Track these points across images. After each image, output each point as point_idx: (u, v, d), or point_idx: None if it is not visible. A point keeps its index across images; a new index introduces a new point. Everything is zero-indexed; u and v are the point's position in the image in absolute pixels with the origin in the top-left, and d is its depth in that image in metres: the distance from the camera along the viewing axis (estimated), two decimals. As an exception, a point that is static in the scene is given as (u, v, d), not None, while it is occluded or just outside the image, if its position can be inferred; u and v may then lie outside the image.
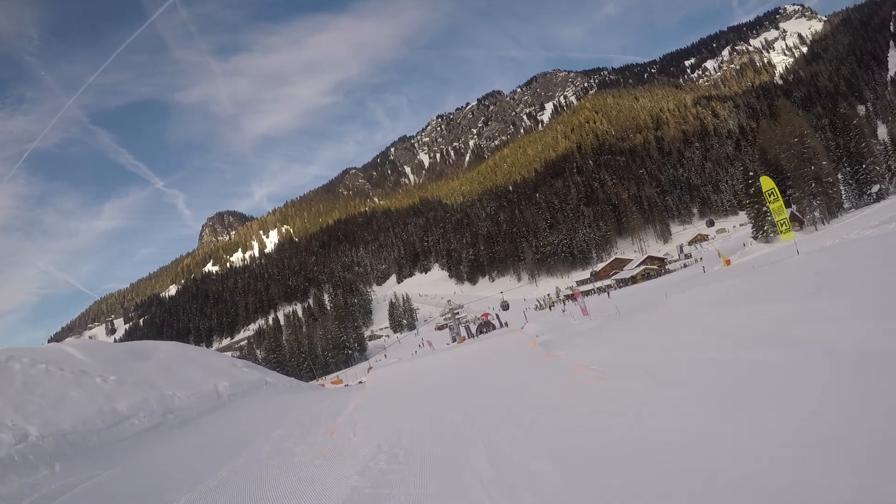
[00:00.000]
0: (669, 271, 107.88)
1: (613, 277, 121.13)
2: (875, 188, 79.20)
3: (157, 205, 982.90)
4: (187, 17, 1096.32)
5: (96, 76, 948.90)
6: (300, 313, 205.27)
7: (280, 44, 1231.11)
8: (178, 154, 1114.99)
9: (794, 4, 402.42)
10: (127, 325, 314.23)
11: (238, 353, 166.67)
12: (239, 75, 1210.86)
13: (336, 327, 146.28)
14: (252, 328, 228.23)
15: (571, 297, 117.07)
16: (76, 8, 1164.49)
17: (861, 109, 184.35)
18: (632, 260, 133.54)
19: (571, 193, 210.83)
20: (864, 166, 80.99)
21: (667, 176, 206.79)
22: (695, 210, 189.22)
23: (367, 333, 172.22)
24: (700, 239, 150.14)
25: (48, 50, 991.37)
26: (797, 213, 77.82)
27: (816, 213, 76.66)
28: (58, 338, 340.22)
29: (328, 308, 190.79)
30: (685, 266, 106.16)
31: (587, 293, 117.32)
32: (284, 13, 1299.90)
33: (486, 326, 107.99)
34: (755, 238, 76.02)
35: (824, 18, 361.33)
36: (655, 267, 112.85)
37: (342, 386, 74.52)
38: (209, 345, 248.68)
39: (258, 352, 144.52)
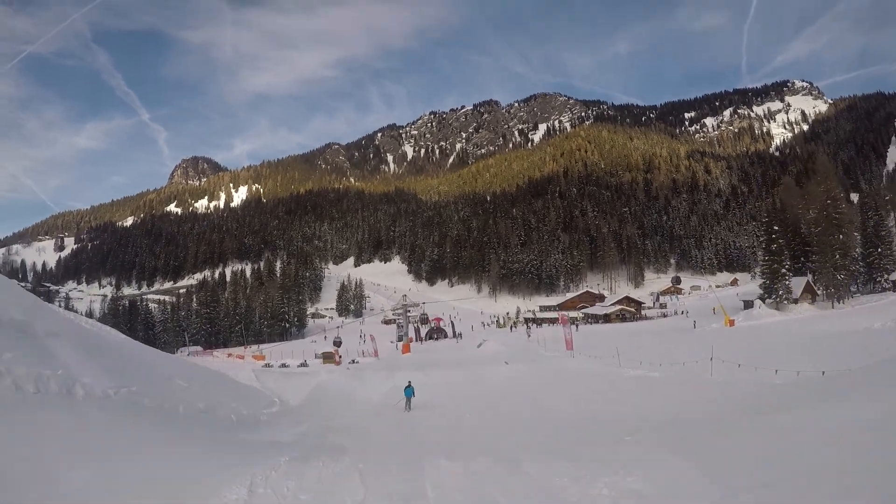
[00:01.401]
0: (646, 317, 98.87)
1: (583, 311, 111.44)
2: (894, 275, 70.09)
3: (139, 136, 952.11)
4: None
5: None
6: (248, 274, 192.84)
7: (294, 6, 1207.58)
8: (170, 91, 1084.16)
9: (803, 81, 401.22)
10: (76, 246, 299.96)
11: (175, 298, 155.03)
12: (247, 27, 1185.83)
13: (279, 296, 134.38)
14: (197, 277, 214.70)
15: (535, 322, 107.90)
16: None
17: (854, 198, 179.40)
18: (606, 297, 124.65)
19: (550, 216, 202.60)
20: (878, 250, 71.99)
21: (650, 220, 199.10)
22: (672, 261, 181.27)
23: (311, 310, 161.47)
24: (674, 291, 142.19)
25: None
26: (811, 284, 68.76)
27: (832, 289, 67.64)
28: (6, 242, 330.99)
29: (277, 275, 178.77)
30: (664, 315, 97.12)
31: (551, 322, 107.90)
32: None
33: (437, 332, 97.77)
34: (763, 301, 66.37)
35: (830, 101, 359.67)
36: (632, 309, 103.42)
37: (260, 365, 64.06)
38: (150, 285, 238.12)
39: (194, 303, 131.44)
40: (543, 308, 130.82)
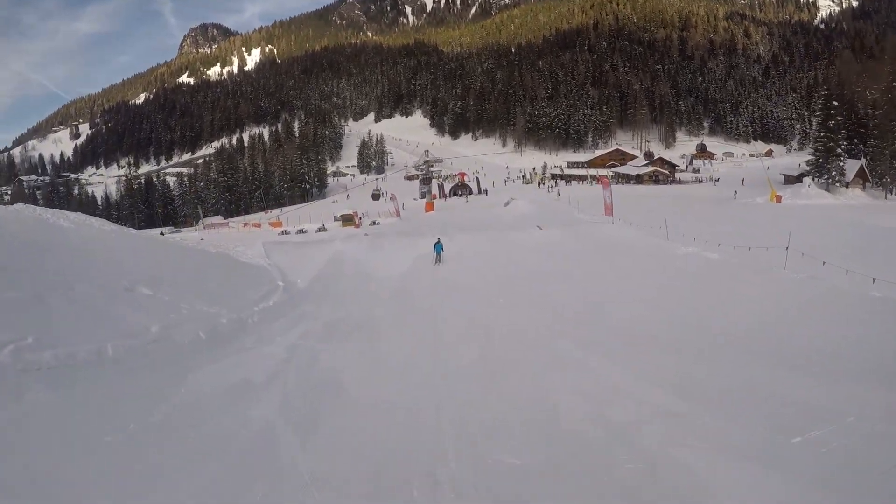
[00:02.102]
0: (679, 181, 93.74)
1: (613, 170, 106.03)
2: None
3: (143, 10, 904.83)
4: None
5: None
6: (266, 137, 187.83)
7: None
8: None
9: None
10: (91, 131, 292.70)
11: (193, 169, 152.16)
12: None
13: (297, 157, 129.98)
14: (215, 146, 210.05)
15: (563, 178, 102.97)
16: None
17: None
18: (637, 157, 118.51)
19: (579, 69, 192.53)
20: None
21: (684, 81, 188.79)
22: (706, 124, 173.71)
23: (331, 169, 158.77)
24: (706, 156, 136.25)
25: None
26: (865, 169, 62.82)
27: (887, 178, 61.91)
28: (22, 139, 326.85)
29: (296, 136, 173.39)
30: (699, 181, 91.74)
31: (580, 179, 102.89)
32: None
33: (461, 189, 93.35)
34: (814, 180, 61.04)
35: None
36: (666, 172, 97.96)
37: (276, 233, 60.29)
38: (168, 158, 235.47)
39: (212, 173, 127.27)
40: (571, 164, 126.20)
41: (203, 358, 10.99)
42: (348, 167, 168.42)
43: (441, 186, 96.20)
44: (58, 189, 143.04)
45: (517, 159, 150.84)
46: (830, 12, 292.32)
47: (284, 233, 57.95)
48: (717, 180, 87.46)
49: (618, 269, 21.77)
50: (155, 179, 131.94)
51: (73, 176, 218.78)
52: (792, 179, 70.13)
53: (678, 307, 15.15)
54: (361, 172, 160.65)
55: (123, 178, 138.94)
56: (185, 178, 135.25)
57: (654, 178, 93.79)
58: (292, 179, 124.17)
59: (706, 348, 11.21)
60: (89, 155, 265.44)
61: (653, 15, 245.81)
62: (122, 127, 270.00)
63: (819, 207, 48.60)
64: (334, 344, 12.84)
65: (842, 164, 60.88)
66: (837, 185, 60.37)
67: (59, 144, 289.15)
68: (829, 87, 67.90)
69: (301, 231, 57.87)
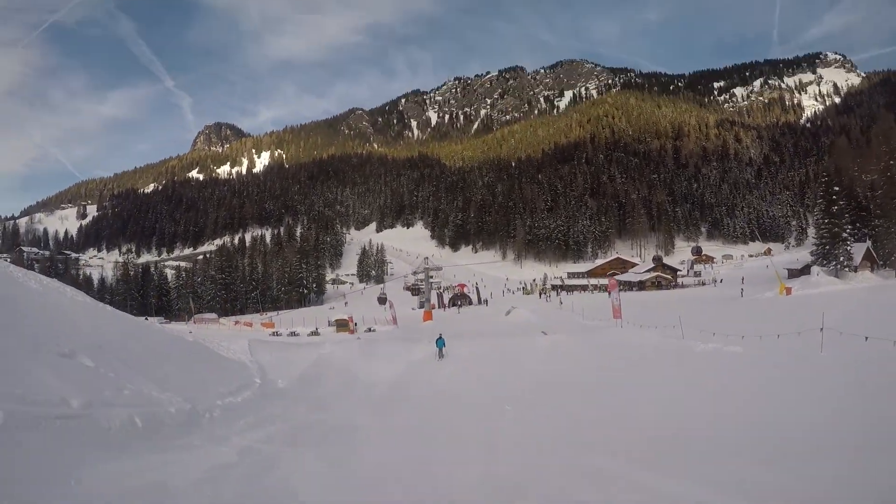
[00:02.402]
0: (682, 285, 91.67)
1: (615, 278, 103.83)
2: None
3: (163, 104, 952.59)
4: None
5: None
6: (268, 239, 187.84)
7: None
8: (194, 57, 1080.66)
9: (836, 53, 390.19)
10: (97, 213, 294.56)
11: (193, 264, 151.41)
12: None
13: (297, 261, 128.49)
14: (217, 243, 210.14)
15: (564, 289, 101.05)
16: None
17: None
18: (638, 264, 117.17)
19: (577, 181, 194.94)
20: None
21: (680, 188, 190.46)
22: (703, 229, 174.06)
23: (331, 276, 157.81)
24: (706, 259, 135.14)
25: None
26: (871, 251, 61.78)
27: (894, 258, 60.41)
28: (30, 211, 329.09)
29: (297, 240, 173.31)
30: (702, 283, 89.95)
31: (581, 289, 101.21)
32: None
33: (461, 299, 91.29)
34: (822, 267, 59.38)
35: (863, 75, 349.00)
36: (668, 277, 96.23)
37: (266, 333, 58.09)
38: (170, 251, 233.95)
39: (211, 269, 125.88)
40: (571, 275, 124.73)
41: (121, 449, 8.59)
42: (348, 275, 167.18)
43: (440, 296, 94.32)
44: (56, 265, 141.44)
45: (517, 271, 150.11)
46: (815, 111, 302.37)
47: (276, 334, 55.69)
48: (721, 281, 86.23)
49: (635, 373, 19.41)
50: (153, 269, 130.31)
51: (74, 255, 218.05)
52: (796, 273, 68.92)
53: (712, 406, 12.96)
54: (361, 281, 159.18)
55: (121, 263, 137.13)
56: (183, 272, 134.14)
57: (657, 284, 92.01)
58: (290, 283, 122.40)
59: (767, 447, 9.05)
60: (93, 237, 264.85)
61: (647, 126, 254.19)
62: (127, 213, 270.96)
63: (831, 294, 46.39)
64: (300, 450, 10.35)
65: (849, 248, 59.91)
66: (846, 269, 58.86)
67: (65, 222, 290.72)
68: (829, 174, 67.25)
69: (293, 333, 55.52)
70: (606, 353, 24.73)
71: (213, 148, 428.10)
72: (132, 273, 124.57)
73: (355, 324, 59.56)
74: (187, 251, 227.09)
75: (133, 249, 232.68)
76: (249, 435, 11.29)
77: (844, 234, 59.50)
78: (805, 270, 65.72)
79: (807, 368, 15.25)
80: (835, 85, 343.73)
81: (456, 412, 15.18)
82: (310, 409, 15.82)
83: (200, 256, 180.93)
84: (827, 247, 60.46)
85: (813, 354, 16.77)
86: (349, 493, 7.81)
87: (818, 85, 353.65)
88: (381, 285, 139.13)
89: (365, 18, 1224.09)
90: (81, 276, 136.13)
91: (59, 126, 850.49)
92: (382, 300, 73.02)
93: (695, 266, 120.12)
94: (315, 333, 54.97)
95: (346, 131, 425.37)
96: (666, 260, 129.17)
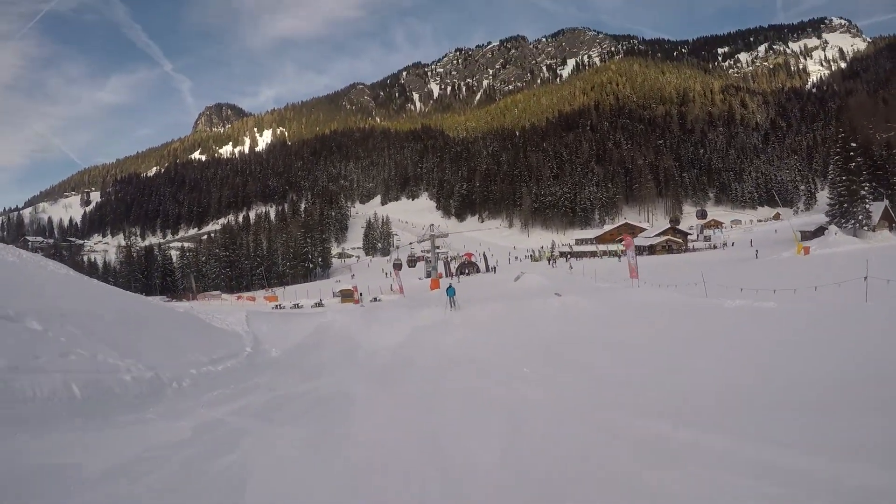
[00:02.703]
0: (693, 249, 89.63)
1: (625, 243, 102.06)
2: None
3: (163, 87, 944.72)
4: None
5: None
6: (272, 216, 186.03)
7: None
8: (192, 40, 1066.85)
9: (841, 18, 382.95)
10: (101, 199, 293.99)
11: (197, 244, 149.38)
12: None
13: (301, 235, 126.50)
14: (221, 222, 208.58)
15: (573, 255, 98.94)
16: None
17: None
18: (646, 229, 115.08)
19: (583, 148, 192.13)
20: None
21: (686, 153, 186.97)
22: (711, 194, 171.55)
23: (337, 250, 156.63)
24: (714, 224, 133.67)
25: None
26: (889, 210, 59.48)
27: None
28: (34, 201, 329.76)
29: (302, 215, 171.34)
30: (714, 247, 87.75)
31: (591, 255, 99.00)
32: None
33: (468, 267, 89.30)
34: (839, 227, 57.27)
35: (869, 39, 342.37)
36: (679, 240, 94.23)
37: (269, 306, 56.30)
38: (175, 232, 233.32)
39: (215, 247, 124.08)
40: (580, 241, 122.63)
41: (41, 422, 6.73)
42: (354, 248, 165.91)
43: (447, 265, 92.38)
44: (60, 252, 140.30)
45: (524, 240, 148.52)
46: (821, 76, 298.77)
47: (278, 307, 53.85)
48: (732, 244, 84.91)
49: (661, 331, 17.28)
50: (156, 250, 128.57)
51: (79, 242, 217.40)
52: (810, 235, 66.63)
53: (755, 360, 11.09)
54: (367, 254, 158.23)
55: (123, 246, 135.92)
56: (188, 252, 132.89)
57: (668, 248, 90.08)
58: (295, 258, 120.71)
59: (830, 398, 7.50)
60: (97, 223, 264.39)
61: (651, 93, 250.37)
62: (130, 198, 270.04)
63: (853, 253, 44.11)
64: (275, 426, 8.29)
65: (867, 206, 57.83)
66: (865, 229, 56.75)
67: (69, 210, 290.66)
68: (845, 130, 64.82)
69: (296, 306, 53.84)
70: (627, 311, 22.61)
71: (214, 129, 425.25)
72: (135, 255, 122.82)
73: (360, 294, 57.66)
74: (192, 232, 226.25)
75: (137, 233, 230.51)
76: (221, 408, 9.35)
77: (863, 192, 57.63)
78: (819, 232, 64.29)
79: (855, 318, 13.33)
80: (840, 50, 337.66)
81: (468, 378, 13.11)
82: (301, 378, 13.98)
83: (205, 236, 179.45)
84: (845, 205, 58.64)
85: (858, 305, 15.05)
86: (328, 479, 5.71)
87: (823, 50, 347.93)
88: (388, 257, 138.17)
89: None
90: (86, 262, 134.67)
91: (60, 115, 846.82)
92: (398, 265, 70.95)
93: (704, 231, 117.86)
94: (319, 305, 53.29)
95: (348, 106, 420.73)
96: (646, 233, 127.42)
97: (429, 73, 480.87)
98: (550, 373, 12.77)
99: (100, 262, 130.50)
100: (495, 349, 17.18)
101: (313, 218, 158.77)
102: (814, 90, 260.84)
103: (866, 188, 58.50)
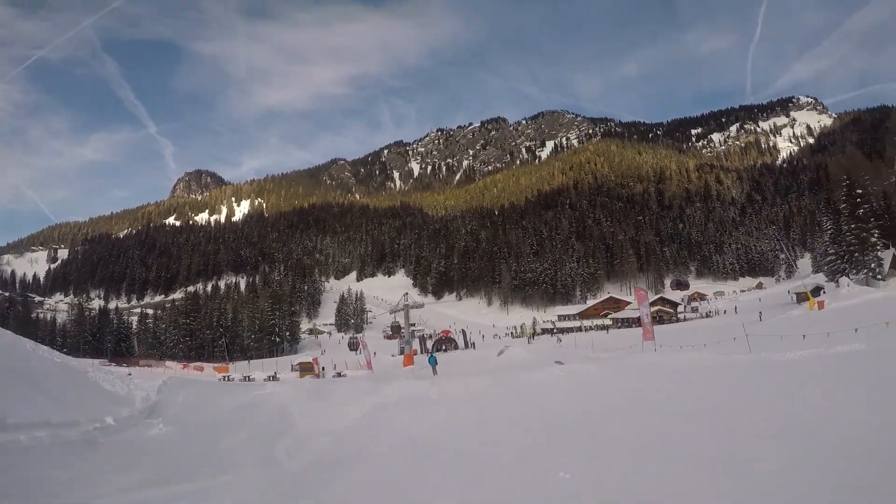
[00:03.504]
0: (685, 319, 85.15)
1: (611, 317, 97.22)
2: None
3: (145, 149, 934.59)
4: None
5: (122, 1, 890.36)
6: (243, 287, 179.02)
7: (309, 21, 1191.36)
8: (179, 104, 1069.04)
9: (808, 97, 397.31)
10: (68, 257, 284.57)
11: (161, 311, 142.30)
12: (260, 41, 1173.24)
13: (269, 307, 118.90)
14: (190, 290, 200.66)
15: (557, 331, 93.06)
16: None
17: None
18: (631, 302, 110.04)
19: (563, 225, 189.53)
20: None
21: (666, 228, 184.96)
22: (692, 268, 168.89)
23: (308, 326, 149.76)
24: (698, 297, 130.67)
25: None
26: None
27: None
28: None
29: (273, 287, 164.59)
30: (707, 315, 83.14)
31: (577, 329, 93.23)
32: None
33: (446, 343, 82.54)
34: (849, 277, 53.06)
35: (834, 115, 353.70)
36: (670, 310, 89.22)
37: (218, 378, 49.31)
38: (141, 297, 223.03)
39: (177, 315, 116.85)
40: (562, 317, 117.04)
41: None
42: (326, 324, 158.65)
43: (422, 341, 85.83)
44: (15, 306, 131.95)
45: (503, 317, 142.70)
46: (790, 152, 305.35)
47: (226, 379, 46.93)
48: (724, 312, 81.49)
49: (710, 395, 12.48)
50: (112, 314, 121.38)
51: (39, 298, 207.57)
52: (804, 296, 62.29)
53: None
54: (339, 330, 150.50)
55: (75, 304, 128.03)
56: (149, 318, 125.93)
57: (658, 318, 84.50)
58: (261, 330, 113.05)
59: None
60: (60, 281, 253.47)
61: (629, 172, 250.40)
62: (97, 257, 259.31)
63: (872, 302, 39.15)
64: None
65: (878, 254, 54.69)
66: (879, 278, 52.55)
67: (35, 265, 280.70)
68: (849, 177, 61.64)
69: (247, 378, 46.89)
70: (657, 376, 17.02)
71: (192, 195, 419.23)
72: (88, 316, 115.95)
73: (322, 368, 51.11)
74: (159, 298, 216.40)
75: (102, 295, 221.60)
76: None
77: (873, 239, 54.03)
78: (816, 292, 59.14)
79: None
80: (808, 126, 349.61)
81: (454, 480, 7.21)
82: (152, 476, 7.93)
83: (169, 304, 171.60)
84: (855, 254, 55.28)
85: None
86: None
87: (792, 127, 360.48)
88: (361, 333, 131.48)
89: (351, 70, 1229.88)
90: (39, 319, 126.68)
91: (38, 167, 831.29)
92: (353, 345, 64.31)
93: (691, 302, 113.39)
94: (273, 378, 46.40)
95: (328, 181, 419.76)
96: (635, 304, 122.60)
97: (410, 152, 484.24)
98: (591, 465, 6.95)
99: (59, 322, 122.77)
100: (491, 433, 11.13)
101: (283, 290, 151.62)
102: (785, 165, 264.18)
103: (876, 235, 54.79)
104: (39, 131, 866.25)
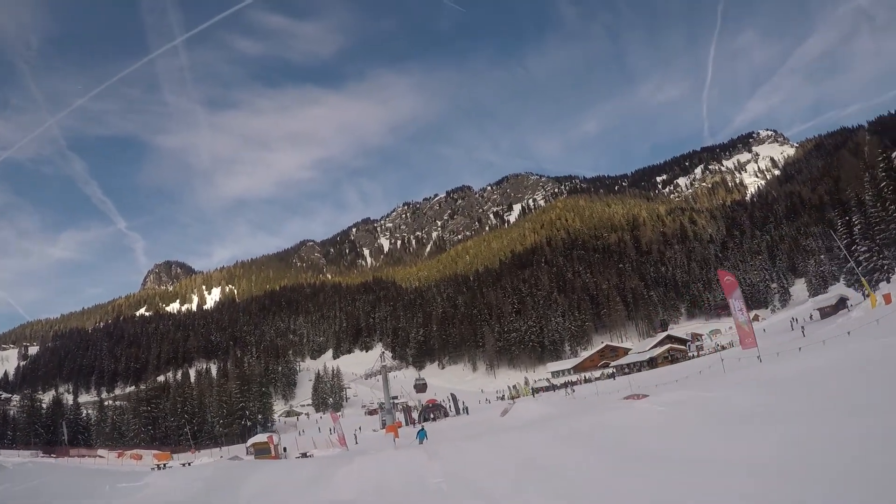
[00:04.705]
0: (698, 355, 75.77)
1: (612, 364, 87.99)
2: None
3: (115, 245, 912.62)
4: (186, 61, 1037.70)
5: (85, 100, 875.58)
6: (214, 372, 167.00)
7: (269, 108, 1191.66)
8: (146, 198, 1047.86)
9: (767, 130, 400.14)
10: (37, 353, 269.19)
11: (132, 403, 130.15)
12: (222, 131, 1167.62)
13: (237, 389, 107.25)
14: (160, 379, 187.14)
15: (552, 388, 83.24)
16: (81, 27, 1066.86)
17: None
18: (630, 349, 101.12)
19: (542, 281, 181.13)
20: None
21: (648, 273, 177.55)
22: (682, 309, 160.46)
23: (284, 408, 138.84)
24: (695, 338, 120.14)
25: (44, 62, 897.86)
26: None
27: None
28: None
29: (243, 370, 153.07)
30: (722, 348, 73.80)
31: (583, 381, 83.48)
32: (280, 78, 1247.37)
33: (434, 411, 71.42)
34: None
35: (796, 145, 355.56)
36: (683, 348, 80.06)
37: (151, 467, 38.76)
38: (110, 390, 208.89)
39: (139, 404, 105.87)
40: (556, 374, 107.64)
41: None
42: (303, 405, 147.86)
43: (407, 411, 74.79)
44: None
45: (491, 381, 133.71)
46: (758, 186, 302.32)
47: (160, 467, 36.64)
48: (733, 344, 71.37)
49: None
50: (69, 405, 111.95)
51: (7, 395, 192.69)
52: (830, 310, 60.01)
53: None
54: (317, 410, 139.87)
55: (27, 396, 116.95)
56: (109, 409, 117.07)
57: (671, 358, 75.35)
58: (230, 414, 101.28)
59: None
60: (30, 377, 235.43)
61: (601, 223, 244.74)
62: (65, 352, 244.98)
63: None
64: None
65: None
66: None
67: (6, 363, 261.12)
68: (886, 164, 55.28)
69: (186, 464, 36.65)
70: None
71: (162, 286, 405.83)
72: (40, 408, 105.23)
73: (284, 449, 40.99)
74: (129, 389, 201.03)
75: (70, 389, 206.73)
76: None
77: None
78: (840, 304, 59.16)
79: None
80: (771, 159, 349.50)
81: None
82: None
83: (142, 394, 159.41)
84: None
85: None
86: None
87: (756, 161, 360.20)
88: (340, 412, 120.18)
89: (314, 154, 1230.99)
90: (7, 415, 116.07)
91: (8, 267, 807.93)
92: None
93: (695, 340, 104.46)
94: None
95: (299, 263, 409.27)
96: (638, 347, 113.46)
97: (378, 229, 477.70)
98: None
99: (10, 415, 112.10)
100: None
101: (255, 372, 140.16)
102: (756, 199, 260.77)
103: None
104: (8, 232, 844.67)
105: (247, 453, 42.83)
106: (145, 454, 53.45)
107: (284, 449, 42.18)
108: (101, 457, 52.82)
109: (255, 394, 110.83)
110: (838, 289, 77.97)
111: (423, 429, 24.35)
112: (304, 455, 39.27)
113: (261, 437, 43.54)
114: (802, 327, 50.43)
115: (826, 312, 60.39)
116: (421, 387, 72.47)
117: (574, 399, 45.99)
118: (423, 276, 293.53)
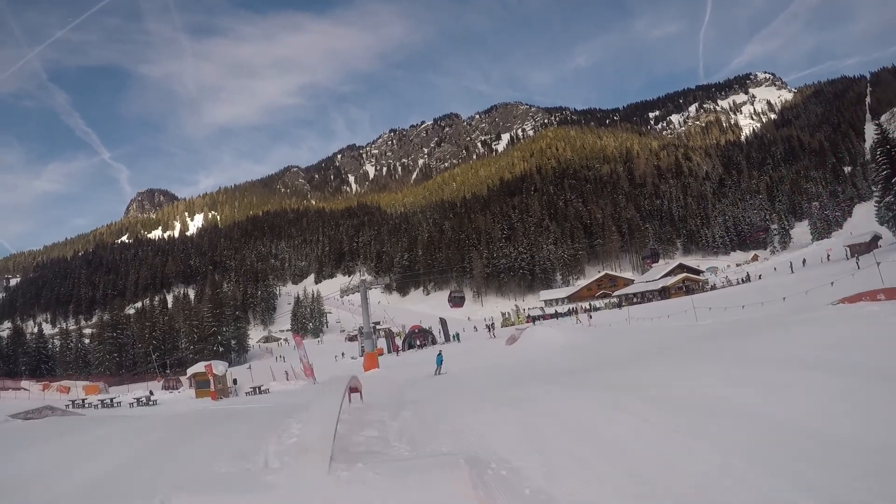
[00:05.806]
0: (715, 287, 69.10)
1: (615, 293, 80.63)
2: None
3: (100, 176, 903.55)
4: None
5: (65, 31, 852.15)
6: (192, 297, 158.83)
7: (254, 35, 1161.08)
8: (130, 128, 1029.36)
9: (765, 73, 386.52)
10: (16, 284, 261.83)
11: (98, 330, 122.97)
12: (207, 59, 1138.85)
13: (209, 313, 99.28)
14: (138, 306, 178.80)
15: (542, 318, 75.91)
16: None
17: (847, 170, 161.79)
18: (633, 280, 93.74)
19: (533, 207, 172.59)
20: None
21: (643, 205, 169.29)
22: (679, 244, 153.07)
23: (263, 334, 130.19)
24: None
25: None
26: None
27: None
28: None
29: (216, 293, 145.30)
30: (740, 281, 66.49)
31: (586, 310, 75.26)
32: (265, 4, 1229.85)
33: (419, 337, 63.80)
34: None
35: (794, 90, 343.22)
36: (698, 278, 72.78)
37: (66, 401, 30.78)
38: (89, 318, 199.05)
39: (104, 330, 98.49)
40: (549, 302, 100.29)
41: None
42: (282, 331, 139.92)
43: (390, 336, 66.51)
44: None
45: (478, 310, 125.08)
46: (753, 129, 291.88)
47: (78, 403, 28.54)
48: (759, 277, 67.10)
49: None
50: (30, 334, 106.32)
51: None
52: (863, 247, 57.23)
53: None
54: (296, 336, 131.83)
55: None
56: (74, 336, 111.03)
57: (686, 289, 67.74)
58: (201, 340, 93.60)
59: None
60: (8, 308, 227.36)
61: (592, 154, 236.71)
62: (43, 281, 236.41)
63: None
64: None
65: None
66: None
67: None
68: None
69: (108, 403, 28.43)
70: None
71: (145, 214, 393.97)
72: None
73: (235, 381, 32.93)
74: (107, 317, 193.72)
75: (48, 318, 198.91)
76: None
77: None
78: (874, 242, 58.87)
79: None
80: (768, 102, 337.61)
81: None
82: None
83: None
84: None
85: None
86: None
87: (752, 104, 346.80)
88: (319, 338, 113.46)
89: (300, 80, 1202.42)
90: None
91: None
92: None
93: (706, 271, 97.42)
94: (146, 402, 27.97)
95: (283, 189, 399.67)
96: (643, 279, 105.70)
97: (364, 155, 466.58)
98: None
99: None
100: None
101: (233, 296, 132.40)
102: (752, 140, 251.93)
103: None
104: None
105: (189, 385, 34.86)
106: (74, 386, 45.54)
107: (235, 381, 34.31)
108: (25, 389, 44.57)
109: (230, 318, 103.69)
110: (864, 227, 71.55)
111: (440, 353, 23.12)
112: (258, 390, 31.39)
113: (199, 367, 34.20)
114: (857, 257, 45.31)
115: (860, 248, 56.71)
116: (459, 300, 65.12)
117: (587, 328, 37.90)
118: (409, 202, 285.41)
